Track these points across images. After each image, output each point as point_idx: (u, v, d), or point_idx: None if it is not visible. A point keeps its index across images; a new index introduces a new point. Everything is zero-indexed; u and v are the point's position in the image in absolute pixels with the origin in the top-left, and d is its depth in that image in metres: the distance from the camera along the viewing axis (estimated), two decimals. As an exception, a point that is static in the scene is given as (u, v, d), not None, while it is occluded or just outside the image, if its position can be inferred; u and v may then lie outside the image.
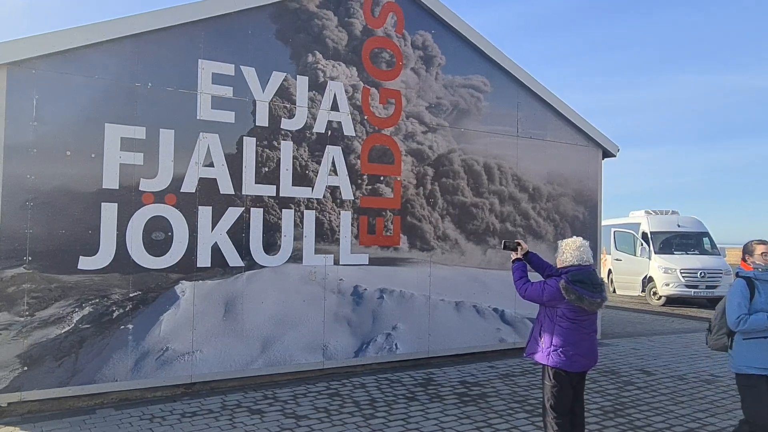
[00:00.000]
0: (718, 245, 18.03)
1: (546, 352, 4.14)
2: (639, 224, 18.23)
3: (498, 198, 8.65)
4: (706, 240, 17.89)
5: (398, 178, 7.81)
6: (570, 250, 4.27)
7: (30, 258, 5.62)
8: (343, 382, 6.91)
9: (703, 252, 17.42)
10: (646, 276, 17.01)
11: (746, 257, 4.53)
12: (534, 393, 6.66)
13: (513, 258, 4.64)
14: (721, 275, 16.32)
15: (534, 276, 4.57)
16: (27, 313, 5.60)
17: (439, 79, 8.20)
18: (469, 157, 8.41)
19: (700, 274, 16.10)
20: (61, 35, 5.73)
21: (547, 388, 4.19)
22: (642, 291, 17.52)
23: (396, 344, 7.63)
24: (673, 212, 18.79)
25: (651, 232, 17.64)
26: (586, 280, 4.07)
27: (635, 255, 17.75)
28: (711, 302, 16.30)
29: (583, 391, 4.35)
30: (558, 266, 4.37)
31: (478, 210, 8.47)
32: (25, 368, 5.58)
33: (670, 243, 17.44)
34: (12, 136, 5.54)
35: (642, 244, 17.70)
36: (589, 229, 9.59)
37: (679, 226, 18.03)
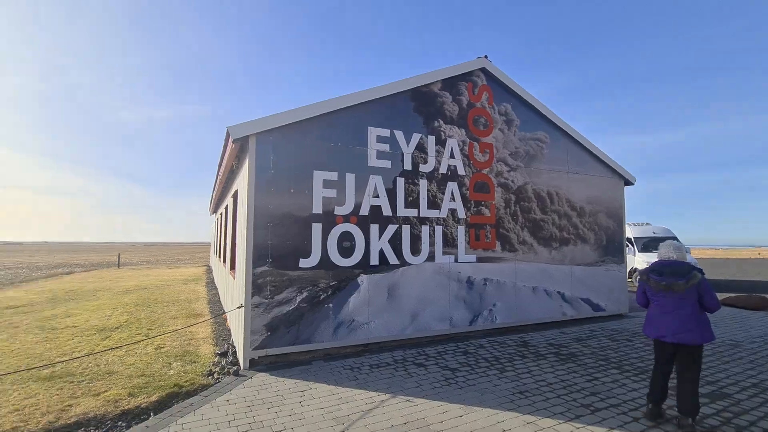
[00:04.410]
0: (684, 245, 16.37)
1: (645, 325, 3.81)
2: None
3: (557, 215, 7.92)
4: (674, 242, 16.28)
5: (493, 203, 7.24)
6: (661, 250, 3.82)
7: (270, 260, 5.40)
8: (465, 343, 6.34)
9: (674, 250, 15.83)
10: (633, 268, 15.58)
11: None
12: (609, 353, 5.87)
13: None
14: (688, 267, 14.73)
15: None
16: (270, 296, 5.36)
17: (516, 135, 7.62)
18: (538, 188, 7.75)
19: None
20: (286, 115, 5.56)
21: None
22: (629, 278, 16.04)
23: (495, 316, 6.99)
24: (647, 224, 17.25)
25: (634, 237, 16.21)
26: (656, 269, 3.65)
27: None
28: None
29: (686, 363, 3.45)
30: None
31: (545, 223, 7.76)
32: (269, 333, 5.32)
33: (648, 245, 15.93)
34: (259, 179, 5.39)
35: (628, 246, 16.25)
36: (617, 236, 8.70)
37: (653, 233, 16.49)
